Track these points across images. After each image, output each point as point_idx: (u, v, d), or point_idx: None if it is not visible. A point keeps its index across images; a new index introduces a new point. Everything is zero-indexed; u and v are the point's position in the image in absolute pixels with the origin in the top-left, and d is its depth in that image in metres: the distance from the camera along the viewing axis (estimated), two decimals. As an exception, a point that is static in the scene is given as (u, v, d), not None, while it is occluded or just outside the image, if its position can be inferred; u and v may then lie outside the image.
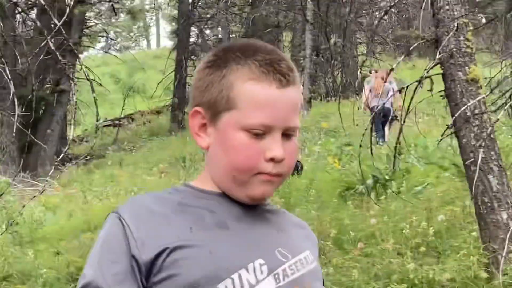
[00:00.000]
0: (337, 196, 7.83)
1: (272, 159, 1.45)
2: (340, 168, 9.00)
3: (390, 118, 12.74)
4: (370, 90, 13.79)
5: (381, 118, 13.30)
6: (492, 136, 5.15)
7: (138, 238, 1.40)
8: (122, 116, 25.72)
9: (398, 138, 5.76)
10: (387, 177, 7.86)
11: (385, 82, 12.40)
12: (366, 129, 6.81)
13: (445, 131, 5.25)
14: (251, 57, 1.49)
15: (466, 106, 5.10)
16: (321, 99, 20.82)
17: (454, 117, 5.25)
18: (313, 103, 19.48)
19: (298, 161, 10.33)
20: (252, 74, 1.47)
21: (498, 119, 4.63)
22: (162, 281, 1.38)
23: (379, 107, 12.64)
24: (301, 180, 8.80)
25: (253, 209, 1.54)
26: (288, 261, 1.47)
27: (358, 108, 13.69)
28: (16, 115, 5.65)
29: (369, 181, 7.88)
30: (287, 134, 1.48)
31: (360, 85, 17.96)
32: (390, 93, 13.10)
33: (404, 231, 5.56)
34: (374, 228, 5.83)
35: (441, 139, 5.35)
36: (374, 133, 12.74)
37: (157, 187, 10.76)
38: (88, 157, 19.28)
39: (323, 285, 1.62)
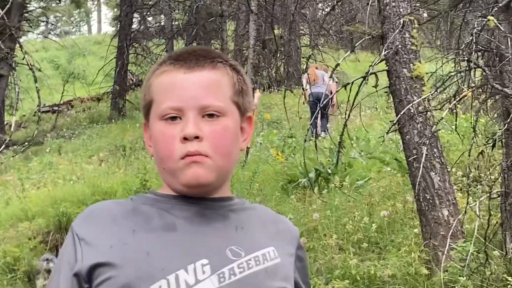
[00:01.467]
0: (280, 189, 7.83)
1: (186, 138, 1.44)
2: (283, 160, 8.99)
3: (325, 105, 12.77)
4: (307, 82, 13.82)
5: (316, 105, 13.34)
6: (435, 133, 5.21)
7: (85, 244, 1.45)
8: (61, 102, 25.30)
9: (342, 133, 5.77)
10: (329, 171, 7.88)
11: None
12: (310, 123, 6.86)
13: (390, 128, 5.27)
14: (171, 57, 1.55)
15: (410, 104, 5.14)
16: (263, 90, 20.80)
17: (398, 115, 5.29)
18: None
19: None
20: (164, 68, 1.53)
21: (442, 118, 4.66)
22: (101, 283, 1.40)
23: (313, 94, 12.80)
24: (244, 172, 8.77)
25: (212, 208, 1.53)
26: (239, 259, 1.46)
27: (304, 103, 13.70)
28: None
29: (312, 174, 7.90)
30: (210, 115, 1.47)
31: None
32: (325, 78, 13.23)
33: (346, 226, 5.58)
34: (316, 222, 5.83)
35: (385, 135, 5.36)
36: (314, 124, 12.88)
37: (96, 175, 10.61)
38: (26, 143, 18.89)
39: (302, 280, 1.62)
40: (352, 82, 5.51)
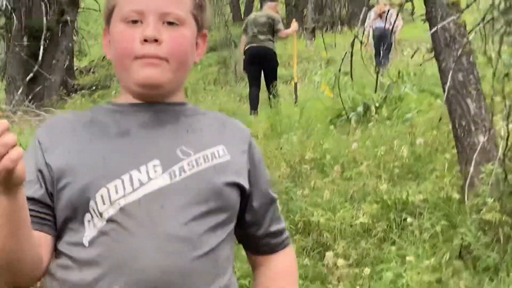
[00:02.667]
0: (327, 123, 7.88)
1: (145, 40, 1.52)
2: (334, 96, 9.01)
3: (388, 42, 12.59)
4: (374, 17, 13.58)
5: (380, 41, 13.14)
6: (471, 60, 5.16)
7: (47, 151, 1.55)
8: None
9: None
10: (377, 104, 7.88)
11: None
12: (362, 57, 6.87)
13: (424, 55, 5.26)
14: None
15: (446, 31, 5.11)
16: (326, 29, 20.63)
17: (434, 41, 5.27)
18: (318, 33, 19.30)
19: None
20: None
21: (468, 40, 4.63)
22: (62, 188, 1.50)
23: (378, 29, 12.65)
24: (294, 108, 8.88)
25: (165, 113, 1.62)
26: (188, 158, 1.54)
27: (367, 40, 13.50)
28: (23, 46, 5.70)
29: (360, 108, 7.92)
30: (170, 23, 1.56)
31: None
32: (393, 17, 13.02)
33: (378, 153, 5.64)
34: (355, 152, 5.90)
35: (422, 63, 5.34)
36: (376, 59, 12.74)
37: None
38: (94, 87, 19.38)
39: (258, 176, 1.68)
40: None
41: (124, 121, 1.59)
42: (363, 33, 9.09)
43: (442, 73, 5.28)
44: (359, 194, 5.19)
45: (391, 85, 8.66)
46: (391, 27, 12.70)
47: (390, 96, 8.29)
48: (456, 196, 4.78)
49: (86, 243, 1.47)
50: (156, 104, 1.62)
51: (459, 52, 5.11)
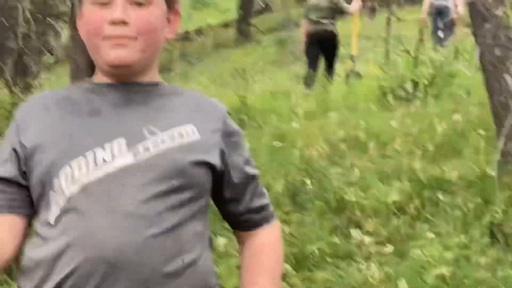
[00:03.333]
0: (373, 101, 7.82)
1: (114, 23, 1.56)
2: (384, 73, 8.93)
3: (447, 18, 12.35)
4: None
5: (439, 18, 12.90)
6: (509, 35, 5.06)
7: (21, 130, 1.61)
8: (193, 30, 25.85)
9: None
10: (426, 82, 7.77)
11: None
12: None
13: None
14: None
15: (483, 5, 5.02)
16: (388, 6, 20.29)
17: (471, 16, 5.18)
18: (379, 11, 19.06)
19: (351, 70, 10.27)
20: None
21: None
22: (33, 166, 1.56)
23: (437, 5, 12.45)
24: (343, 87, 8.85)
25: (136, 93, 1.65)
26: (153, 137, 1.56)
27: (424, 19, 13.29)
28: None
29: (407, 86, 7.83)
30: (138, 3, 1.58)
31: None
32: None
33: (418, 132, 5.60)
34: (394, 130, 5.86)
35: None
36: (435, 36, 12.53)
37: (218, 97, 10.95)
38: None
39: (233, 153, 1.70)
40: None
41: (96, 100, 1.63)
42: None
43: (480, 48, 5.19)
44: (394, 172, 5.15)
45: (443, 62, 8.53)
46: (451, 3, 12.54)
47: (441, 73, 8.15)
48: (491, 173, 4.71)
49: (51, 221, 1.52)
50: (129, 84, 1.65)
51: (496, 27, 5.02)
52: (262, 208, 1.80)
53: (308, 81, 10.52)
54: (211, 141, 1.64)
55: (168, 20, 1.69)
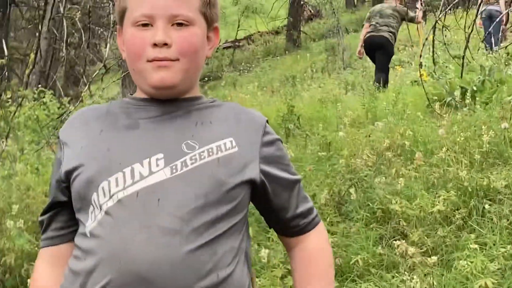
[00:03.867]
0: (421, 109, 7.75)
1: (155, 45, 1.60)
2: (431, 80, 8.84)
3: (495, 21, 12.17)
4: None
5: (490, 22, 12.76)
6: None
7: (64, 147, 1.68)
8: (242, 37, 26.02)
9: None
10: (475, 88, 7.66)
11: None
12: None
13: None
14: None
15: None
16: (441, 11, 20.05)
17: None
18: (428, 16, 18.88)
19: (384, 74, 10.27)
20: None
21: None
22: (73, 180, 1.62)
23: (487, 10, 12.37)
24: (389, 93, 8.79)
25: (176, 108, 1.68)
26: (192, 152, 1.58)
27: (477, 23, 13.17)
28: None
29: (457, 92, 7.73)
30: (179, 24, 1.62)
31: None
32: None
33: (464, 140, 5.52)
34: (441, 138, 5.79)
35: None
36: (488, 41, 12.38)
37: (254, 104, 11.02)
38: (206, 78, 19.78)
39: (273, 162, 1.72)
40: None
41: (135, 114, 1.67)
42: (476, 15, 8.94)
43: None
44: (440, 181, 5.09)
45: (492, 68, 8.42)
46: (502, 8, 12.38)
47: (491, 79, 8.04)
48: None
49: (88, 233, 1.57)
50: (169, 100, 1.68)
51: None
52: (308, 212, 1.82)
53: (377, 81, 10.62)
54: (250, 154, 1.66)
55: (208, 38, 1.73)
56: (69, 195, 1.65)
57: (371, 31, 11.03)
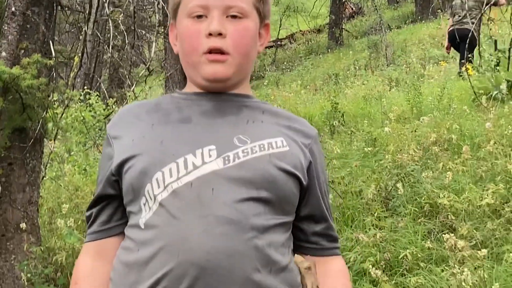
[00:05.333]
0: (467, 103, 7.68)
1: (210, 34, 1.60)
2: (472, 73, 8.75)
3: None
4: None
5: None
6: None
7: (112, 140, 1.69)
8: (284, 37, 26.03)
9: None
10: (521, 81, 7.57)
11: None
12: None
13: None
14: None
15: None
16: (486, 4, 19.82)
17: None
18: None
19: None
20: None
21: None
22: (125, 172, 1.61)
23: None
24: (434, 89, 8.73)
25: (227, 104, 1.68)
26: (244, 146, 1.58)
27: None
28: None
29: (503, 86, 7.64)
30: (233, 16, 1.63)
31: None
32: None
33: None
34: (488, 132, 5.74)
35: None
36: None
37: (297, 102, 11.04)
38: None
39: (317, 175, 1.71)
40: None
41: (186, 109, 1.67)
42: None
43: None
44: (488, 174, 5.05)
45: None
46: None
47: (537, 71, 7.93)
48: None
49: (142, 225, 1.56)
50: (220, 94, 1.69)
51: None
52: (333, 238, 1.79)
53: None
54: (299, 155, 1.65)
55: (259, 35, 1.73)
56: (118, 188, 1.66)
57: (454, 25, 11.32)
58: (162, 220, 1.52)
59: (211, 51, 1.61)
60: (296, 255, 1.62)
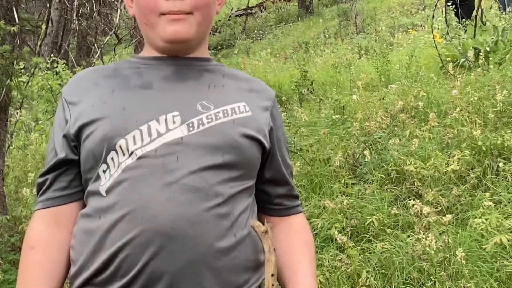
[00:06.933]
0: (435, 70, 7.72)
1: None
2: (440, 41, 8.79)
3: None
4: None
5: None
6: None
7: (70, 105, 1.64)
8: (255, 5, 25.86)
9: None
10: (488, 49, 7.61)
11: None
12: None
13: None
14: None
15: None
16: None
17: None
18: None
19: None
20: None
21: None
22: (85, 139, 1.58)
23: None
24: (402, 57, 8.76)
25: (188, 68, 1.67)
26: (207, 112, 1.57)
27: None
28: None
29: (470, 53, 7.68)
30: None
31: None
32: None
33: (478, 100, 5.51)
34: (455, 99, 5.78)
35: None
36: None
37: (267, 71, 11.01)
38: (219, 46, 19.75)
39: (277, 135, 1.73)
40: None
41: (146, 74, 1.65)
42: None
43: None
44: (454, 141, 5.10)
45: (506, 28, 8.34)
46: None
47: (504, 40, 7.97)
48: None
49: (103, 192, 1.54)
50: (179, 58, 1.67)
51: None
52: (297, 197, 1.83)
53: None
54: (261, 120, 1.67)
55: None
56: (78, 153, 1.62)
57: None
58: (125, 187, 1.51)
59: (170, 13, 1.59)
60: (252, 219, 1.61)
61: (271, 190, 1.77)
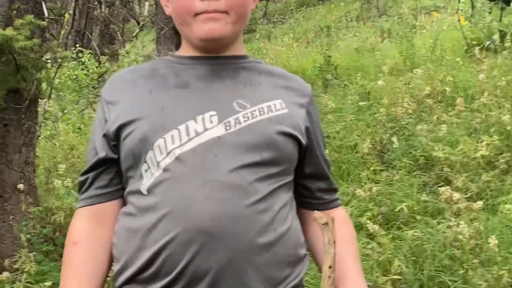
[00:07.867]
0: (460, 54, 7.67)
1: None
2: (467, 24, 8.72)
3: None
4: None
5: None
6: None
7: (109, 106, 1.66)
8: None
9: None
10: (514, 31, 7.55)
11: None
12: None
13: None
14: None
15: None
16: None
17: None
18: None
19: None
20: None
21: None
22: (124, 138, 1.59)
23: None
24: (426, 40, 8.70)
25: (224, 67, 1.67)
26: (244, 111, 1.58)
27: None
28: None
29: (496, 36, 7.63)
30: None
31: None
32: None
33: (506, 85, 5.47)
34: (482, 83, 5.75)
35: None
36: None
37: (289, 56, 10.99)
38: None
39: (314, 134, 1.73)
40: None
41: (183, 73, 1.66)
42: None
43: None
44: (482, 126, 5.07)
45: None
46: None
47: (530, 21, 7.91)
48: None
49: (144, 191, 1.56)
50: (215, 57, 1.68)
51: None
52: (336, 191, 1.84)
53: None
54: (298, 116, 1.67)
55: None
56: (118, 152, 1.64)
57: None
58: (166, 186, 1.53)
59: (205, 13, 1.59)
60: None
61: (311, 185, 1.78)
